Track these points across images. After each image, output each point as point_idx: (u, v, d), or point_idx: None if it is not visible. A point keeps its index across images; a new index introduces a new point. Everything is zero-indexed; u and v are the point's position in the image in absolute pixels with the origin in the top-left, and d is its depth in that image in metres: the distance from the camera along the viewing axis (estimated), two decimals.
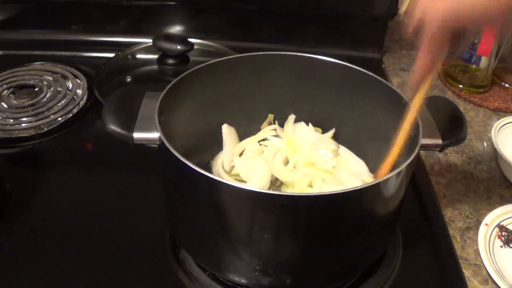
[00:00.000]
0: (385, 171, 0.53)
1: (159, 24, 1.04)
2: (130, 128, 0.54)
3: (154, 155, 0.54)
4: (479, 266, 0.61)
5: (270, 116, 0.71)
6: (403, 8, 0.47)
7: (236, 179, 0.65)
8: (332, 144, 0.67)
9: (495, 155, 0.78)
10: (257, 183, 0.62)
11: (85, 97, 0.87)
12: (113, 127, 0.54)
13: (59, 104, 0.85)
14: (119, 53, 0.96)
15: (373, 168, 0.67)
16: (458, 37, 0.43)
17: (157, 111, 0.53)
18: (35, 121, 0.81)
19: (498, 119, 0.83)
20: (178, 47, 0.92)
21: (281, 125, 0.71)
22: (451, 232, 0.65)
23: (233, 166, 0.67)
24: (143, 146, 0.54)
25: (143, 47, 0.97)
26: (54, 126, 0.81)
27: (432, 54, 0.44)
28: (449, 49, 0.44)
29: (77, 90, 0.88)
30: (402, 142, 0.52)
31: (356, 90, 0.63)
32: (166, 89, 0.56)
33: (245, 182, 0.64)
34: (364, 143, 0.68)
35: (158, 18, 1.03)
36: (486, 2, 0.39)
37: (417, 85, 0.48)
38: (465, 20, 0.41)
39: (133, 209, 0.67)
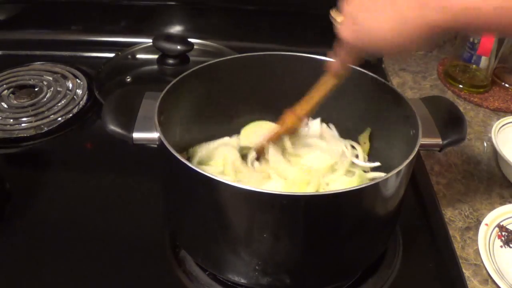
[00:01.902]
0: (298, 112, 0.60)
1: (159, 24, 1.04)
2: (130, 128, 0.54)
3: (154, 155, 0.54)
4: (479, 266, 0.61)
5: None
6: (332, 13, 0.55)
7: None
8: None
9: (495, 155, 0.78)
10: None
11: (85, 97, 0.87)
12: (113, 127, 0.54)
13: (59, 104, 0.85)
14: (119, 53, 0.96)
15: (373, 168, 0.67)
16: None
17: (157, 111, 0.53)
18: (35, 121, 0.81)
19: (498, 119, 0.83)
20: (178, 47, 0.92)
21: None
22: (451, 232, 0.65)
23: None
24: (143, 146, 0.54)
25: (143, 47, 0.97)
26: (54, 126, 0.81)
27: (342, 60, 0.54)
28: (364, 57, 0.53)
29: (77, 90, 0.88)
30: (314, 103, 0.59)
31: (356, 90, 0.63)
32: (166, 89, 0.56)
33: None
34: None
35: (158, 18, 1.04)
36: (392, 39, 0.44)
37: (332, 71, 0.56)
38: (372, 50, 0.49)
39: (133, 209, 0.67)
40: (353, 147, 0.68)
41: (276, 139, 0.63)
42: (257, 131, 0.70)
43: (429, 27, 0.42)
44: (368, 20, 0.46)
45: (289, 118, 0.61)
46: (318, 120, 0.70)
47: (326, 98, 0.67)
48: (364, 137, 0.67)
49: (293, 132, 0.64)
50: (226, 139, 0.69)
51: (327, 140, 0.68)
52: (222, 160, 0.64)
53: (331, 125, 0.70)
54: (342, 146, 0.67)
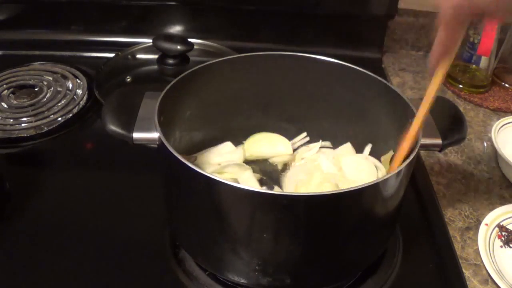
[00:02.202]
0: (397, 163, 0.52)
1: (159, 24, 1.04)
2: (130, 128, 0.54)
3: (154, 155, 0.54)
4: (479, 266, 0.61)
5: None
6: None
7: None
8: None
9: (495, 155, 0.78)
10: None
11: (85, 97, 0.87)
12: (113, 127, 0.54)
13: (59, 104, 0.85)
14: (119, 53, 0.96)
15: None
16: (474, 21, 0.44)
17: (157, 111, 0.53)
18: (35, 121, 0.81)
19: (498, 119, 0.83)
20: (178, 47, 0.91)
21: (279, 123, 0.72)
22: (451, 232, 0.65)
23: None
24: (143, 146, 0.54)
25: (143, 47, 0.97)
26: (54, 126, 0.81)
27: (448, 36, 0.44)
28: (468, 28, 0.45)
29: (77, 90, 0.88)
30: (419, 125, 0.52)
31: (356, 90, 0.63)
32: (166, 89, 0.56)
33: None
34: (364, 143, 0.68)
35: (158, 18, 1.03)
36: None
37: (435, 65, 0.48)
38: (477, 10, 0.41)
39: (133, 209, 0.67)
40: None
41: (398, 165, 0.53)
42: (261, 142, 0.71)
43: None
44: None
45: (405, 141, 0.53)
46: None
47: (325, 99, 0.67)
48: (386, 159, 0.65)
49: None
50: (229, 146, 0.69)
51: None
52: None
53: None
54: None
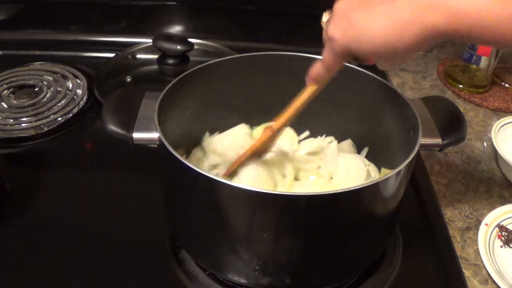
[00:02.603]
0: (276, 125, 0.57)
1: (159, 24, 1.04)
2: (130, 128, 0.54)
3: (154, 155, 0.54)
4: (479, 266, 0.61)
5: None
6: (324, 17, 0.53)
7: None
8: None
9: (495, 155, 0.78)
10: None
11: (85, 97, 0.87)
12: (113, 127, 0.54)
13: (59, 104, 0.85)
14: (119, 53, 0.96)
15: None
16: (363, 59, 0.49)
17: (156, 111, 0.53)
18: (35, 121, 0.81)
19: (498, 119, 0.83)
20: (178, 47, 0.92)
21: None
22: (451, 232, 0.65)
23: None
24: (143, 146, 0.54)
25: (143, 47, 0.97)
26: (54, 126, 0.81)
27: (327, 64, 0.50)
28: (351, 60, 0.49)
29: (77, 90, 0.88)
30: (293, 112, 0.56)
31: (356, 90, 0.63)
32: (166, 89, 0.56)
33: None
34: (363, 142, 0.68)
35: (158, 18, 1.04)
36: (387, 41, 0.42)
37: (315, 78, 0.53)
38: (363, 52, 0.45)
39: (133, 209, 0.67)
40: None
41: (246, 159, 0.59)
42: None
43: (429, 31, 0.41)
44: (362, 19, 0.43)
45: (263, 134, 0.58)
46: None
47: (325, 99, 0.67)
48: None
49: (265, 149, 0.61)
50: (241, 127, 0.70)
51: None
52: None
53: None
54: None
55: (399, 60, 0.47)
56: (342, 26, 0.45)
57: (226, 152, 0.66)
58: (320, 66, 0.51)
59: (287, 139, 0.71)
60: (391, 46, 0.42)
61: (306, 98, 0.55)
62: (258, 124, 0.71)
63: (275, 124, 0.58)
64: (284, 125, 0.58)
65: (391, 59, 0.46)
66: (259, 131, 0.70)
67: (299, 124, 0.71)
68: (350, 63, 0.52)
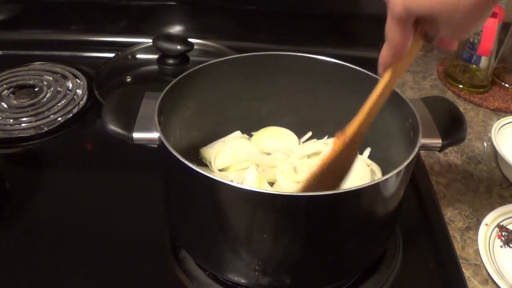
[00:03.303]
0: (349, 133, 0.49)
1: (159, 24, 1.04)
2: (130, 128, 0.54)
3: (154, 155, 0.54)
4: (479, 266, 0.61)
5: None
6: None
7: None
8: None
9: (495, 155, 0.78)
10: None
11: (85, 97, 0.87)
12: (113, 127, 0.54)
13: (59, 104, 0.85)
14: (119, 53, 0.96)
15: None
16: (429, 26, 0.43)
17: (156, 111, 0.53)
18: (35, 121, 0.81)
19: (498, 119, 0.83)
20: (178, 47, 0.92)
21: (280, 124, 0.72)
22: (451, 232, 0.65)
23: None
24: (143, 146, 0.54)
25: (143, 47, 0.97)
26: (54, 126, 0.81)
27: (395, 41, 0.44)
28: (422, 37, 0.44)
29: (77, 90, 0.88)
30: (366, 112, 0.49)
31: (356, 90, 0.63)
32: (166, 89, 0.56)
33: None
34: (363, 142, 0.68)
35: (158, 18, 1.04)
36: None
37: (385, 63, 0.47)
38: (422, 11, 0.41)
39: (133, 209, 0.67)
40: None
41: (319, 176, 0.50)
42: (269, 137, 0.70)
43: None
44: None
45: (334, 145, 0.49)
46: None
47: (325, 99, 0.67)
48: None
49: (345, 163, 0.52)
50: (237, 134, 0.70)
51: None
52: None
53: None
54: None
55: (461, 23, 0.41)
56: None
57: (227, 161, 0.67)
58: (386, 48, 0.45)
59: (288, 140, 0.71)
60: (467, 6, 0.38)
61: (379, 95, 0.48)
62: (258, 123, 0.71)
63: (346, 132, 0.49)
64: (359, 131, 0.49)
65: (453, 22, 0.41)
66: (260, 136, 0.71)
67: (301, 125, 0.72)
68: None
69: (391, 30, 0.43)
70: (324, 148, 0.68)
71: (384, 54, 0.45)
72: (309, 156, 0.68)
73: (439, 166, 0.76)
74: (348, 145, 0.49)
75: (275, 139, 0.71)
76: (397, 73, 0.47)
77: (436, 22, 0.42)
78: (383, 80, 0.48)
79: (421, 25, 0.43)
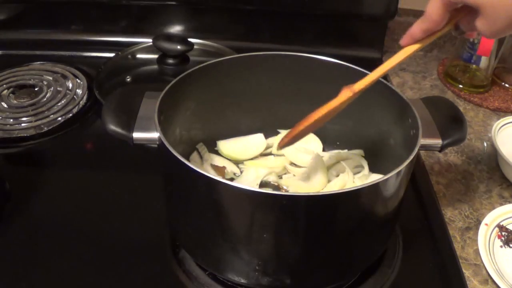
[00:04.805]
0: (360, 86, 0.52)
1: (159, 24, 1.04)
2: (130, 128, 0.54)
3: (154, 155, 0.54)
4: (479, 266, 0.61)
5: None
6: None
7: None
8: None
9: (495, 155, 0.78)
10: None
11: (85, 97, 0.87)
12: (113, 127, 0.54)
13: (59, 104, 0.85)
14: (119, 53, 0.96)
15: (372, 168, 0.67)
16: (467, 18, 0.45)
17: (157, 111, 0.53)
18: (35, 121, 0.81)
19: (498, 119, 0.83)
20: (178, 47, 0.91)
21: (280, 124, 0.71)
22: (451, 232, 0.65)
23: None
24: (143, 146, 0.54)
25: (143, 47, 0.97)
26: (54, 126, 0.81)
27: (437, 16, 0.45)
28: (452, 26, 0.46)
29: (77, 90, 0.88)
30: (384, 70, 0.52)
31: None
32: (166, 89, 0.56)
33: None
34: (363, 142, 0.68)
35: (158, 18, 1.03)
36: None
37: (414, 36, 0.48)
38: (474, 3, 0.41)
39: (133, 209, 0.67)
40: None
41: (314, 122, 0.54)
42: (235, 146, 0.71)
43: None
44: None
45: (343, 94, 0.52)
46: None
47: (325, 98, 0.67)
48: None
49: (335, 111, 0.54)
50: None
51: None
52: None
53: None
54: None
55: (503, 21, 0.42)
56: None
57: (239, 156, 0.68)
58: (421, 23, 0.47)
59: (314, 145, 0.72)
60: None
61: (396, 63, 0.50)
62: (258, 123, 0.71)
63: (358, 84, 0.52)
64: (368, 86, 0.52)
65: (497, 19, 0.41)
66: (276, 140, 0.71)
67: (295, 124, 0.71)
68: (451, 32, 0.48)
69: (434, 7, 0.44)
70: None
71: (417, 28, 0.47)
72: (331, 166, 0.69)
73: (439, 166, 0.76)
74: (353, 97, 0.52)
75: (304, 143, 0.70)
76: (415, 49, 0.49)
77: (480, 14, 0.42)
78: (405, 51, 0.49)
79: (460, 13, 0.44)
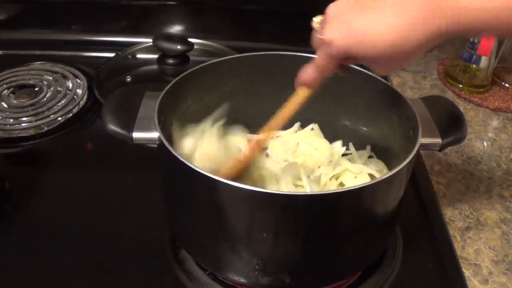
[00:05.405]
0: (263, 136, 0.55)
1: (159, 24, 1.04)
2: (130, 128, 0.54)
3: (154, 155, 0.54)
4: (479, 266, 0.61)
5: None
6: (316, 20, 0.52)
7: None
8: None
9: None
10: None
11: (85, 97, 0.87)
12: (113, 127, 0.54)
13: (59, 104, 0.85)
14: (119, 53, 0.96)
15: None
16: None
17: (156, 111, 0.53)
18: (35, 121, 0.81)
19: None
20: (178, 47, 0.92)
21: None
22: (451, 232, 0.65)
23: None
24: (143, 146, 0.54)
25: (143, 47, 0.97)
26: (54, 126, 0.81)
27: (323, 68, 0.48)
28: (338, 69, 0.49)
29: (77, 90, 0.88)
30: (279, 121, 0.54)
31: (356, 90, 0.63)
32: (166, 89, 0.56)
33: None
34: (363, 142, 0.68)
35: (158, 18, 1.04)
36: (393, 44, 0.42)
37: (308, 81, 0.51)
38: (364, 56, 0.44)
39: (133, 209, 0.67)
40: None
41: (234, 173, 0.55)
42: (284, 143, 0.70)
43: (439, 31, 0.40)
44: (363, 22, 0.42)
45: (249, 147, 0.55)
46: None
47: (325, 98, 0.67)
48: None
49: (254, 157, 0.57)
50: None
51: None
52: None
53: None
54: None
55: (399, 63, 0.45)
56: (340, 30, 0.44)
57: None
58: (312, 69, 0.49)
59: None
60: (398, 48, 0.41)
61: (296, 105, 0.53)
62: (258, 123, 0.71)
63: (261, 135, 0.55)
64: (271, 135, 0.56)
65: (392, 62, 0.45)
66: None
67: (301, 125, 0.71)
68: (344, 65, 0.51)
69: (323, 60, 0.47)
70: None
71: (310, 73, 0.50)
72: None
73: (439, 166, 0.76)
74: (259, 147, 0.56)
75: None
76: (315, 87, 0.52)
77: (366, 63, 0.47)
78: (302, 95, 0.53)
79: (349, 60, 0.47)
